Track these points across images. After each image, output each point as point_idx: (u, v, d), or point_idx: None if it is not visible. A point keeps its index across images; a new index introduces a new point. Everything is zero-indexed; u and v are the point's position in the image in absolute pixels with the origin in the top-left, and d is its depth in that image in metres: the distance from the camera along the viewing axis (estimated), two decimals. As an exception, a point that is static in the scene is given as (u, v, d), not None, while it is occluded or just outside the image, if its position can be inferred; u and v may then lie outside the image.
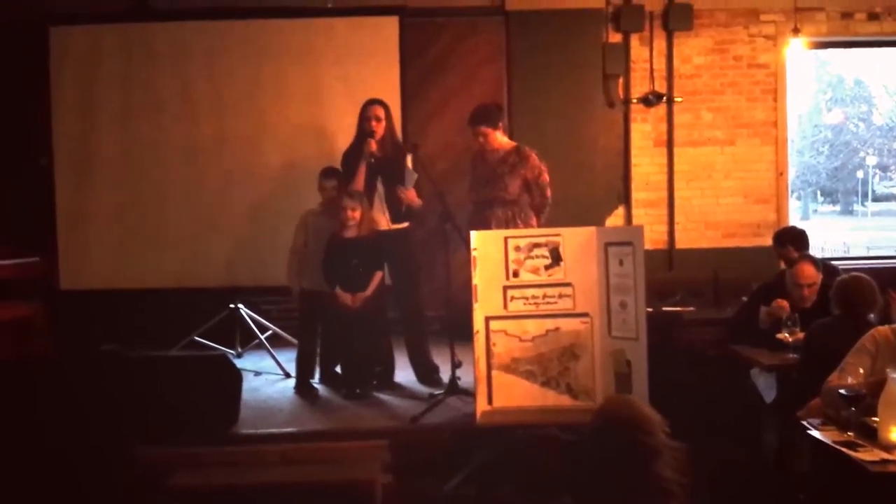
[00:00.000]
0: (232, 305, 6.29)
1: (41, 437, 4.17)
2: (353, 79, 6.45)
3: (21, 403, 4.31)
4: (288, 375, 5.66)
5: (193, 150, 6.54)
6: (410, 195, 5.26)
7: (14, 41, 6.70)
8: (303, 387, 5.31)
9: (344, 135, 5.66)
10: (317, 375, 5.44)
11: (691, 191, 7.34)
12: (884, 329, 3.58)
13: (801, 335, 4.36)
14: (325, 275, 5.16)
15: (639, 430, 2.02)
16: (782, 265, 5.47)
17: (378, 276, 5.18)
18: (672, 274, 7.12)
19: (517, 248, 4.60)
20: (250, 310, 6.36)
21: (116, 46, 6.56)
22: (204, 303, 6.36)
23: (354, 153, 5.35)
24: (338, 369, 5.41)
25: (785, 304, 4.57)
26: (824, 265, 4.97)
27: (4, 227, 6.64)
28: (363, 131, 5.30)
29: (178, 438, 4.26)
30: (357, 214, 5.07)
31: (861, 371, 3.36)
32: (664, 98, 7.25)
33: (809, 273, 4.70)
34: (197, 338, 6.22)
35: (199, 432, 4.31)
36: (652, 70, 7.26)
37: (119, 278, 6.48)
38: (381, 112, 5.29)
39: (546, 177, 5.25)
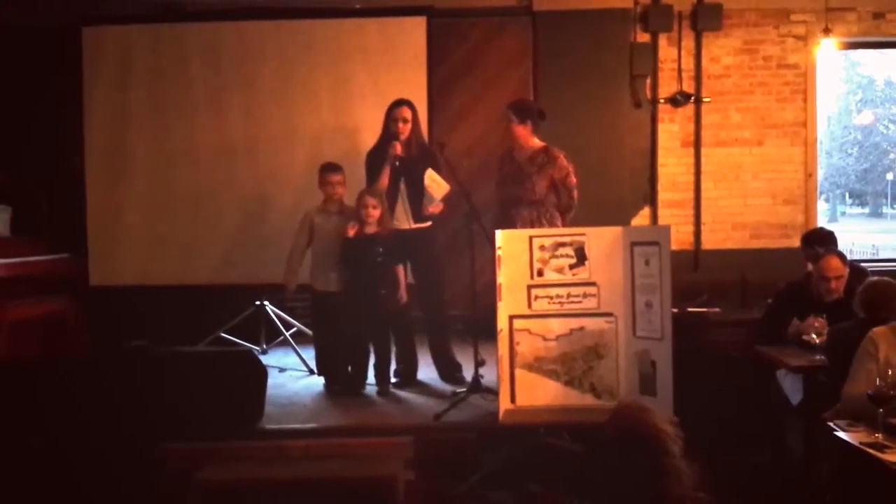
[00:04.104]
0: (258, 302, 6.34)
1: (71, 430, 4.24)
2: (381, 79, 6.48)
3: (49, 399, 4.38)
4: (312, 372, 5.69)
5: (223, 148, 6.60)
6: (432, 208, 5.29)
7: (48, 42, 6.81)
8: (329, 382, 5.34)
9: (372, 134, 5.67)
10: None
11: (718, 191, 7.29)
12: (880, 328, 3.62)
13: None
14: (343, 273, 5.17)
15: (650, 445, 1.97)
16: (809, 267, 5.42)
17: (400, 271, 5.20)
18: (698, 275, 7.07)
19: (542, 248, 4.60)
20: (276, 307, 6.41)
21: (148, 47, 6.65)
22: (230, 300, 6.43)
23: (379, 155, 5.36)
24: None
25: (816, 320, 4.45)
26: (853, 266, 4.93)
27: (36, 225, 6.73)
28: (389, 132, 5.31)
29: (203, 433, 4.30)
30: (377, 213, 5.08)
31: (872, 374, 3.36)
32: (692, 98, 7.21)
33: (835, 265, 4.67)
34: (223, 334, 6.28)
35: (224, 427, 4.34)
36: (680, 70, 7.22)
37: (148, 275, 6.56)
38: (407, 113, 5.31)
39: (574, 178, 5.24)
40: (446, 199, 5.31)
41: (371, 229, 5.11)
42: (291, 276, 5.42)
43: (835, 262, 4.69)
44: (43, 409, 4.34)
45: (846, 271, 4.69)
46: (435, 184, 5.23)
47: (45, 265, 6.22)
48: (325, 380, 5.39)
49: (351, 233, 5.06)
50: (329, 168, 5.41)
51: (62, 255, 6.46)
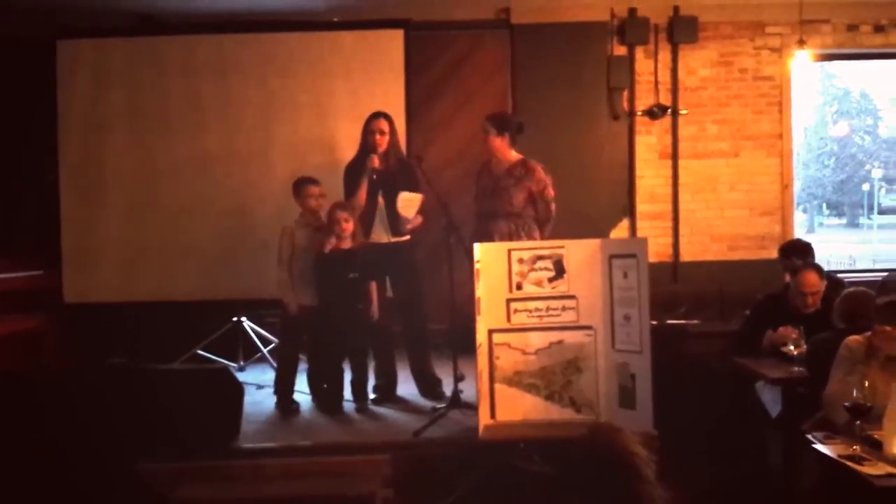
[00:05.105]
0: (235, 319, 6.28)
1: (46, 449, 4.17)
2: (359, 92, 6.46)
3: (25, 416, 4.31)
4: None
5: (200, 163, 6.55)
6: (410, 225, 5.25)
7: (22, 55, 6.74)
8: (284, 402, 5.19)
9: (350, 147, 5.65)
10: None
11: (696, 203, 7.33)
12: (855, 337, 3.71)
13: (805, 348, 4.34)
14: (318, 289, 5.12)
15: (623, 470, 1.93)
16: (787, 278, 5.45)
17: (373, 286, 5.17)
18: (676, 287, 7.09)
19: (521, 261, 4.58)
20: (254, 322, 6.36)
21: (124, 60, 6.59)
22: (207, 316, 6.37)
23: (357, 168, 5.34)
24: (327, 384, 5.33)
25: (792, 332, 4.47)
26: (829, 278, 4.95)
27: (9, 240, 6.66)
28: (366, 145, 5.30)
29: (180, 452, 4.25)
30: (350, 226, 5.05)
31: (848, 380, 3.42)
32: (669, 110, 7.25)
33: (813, 281, 4.70)
34: (200, 351, 6.21)
35: (200, 446, 4.29)
36: (657, 82, 7.26)
37: (123, 292, 6.48)
38: (384, 125, 5.29)
39: (551, 191, 5.24)
40: (423, 210, 5.28)
41: (346, 244, 5.07)
42: (290, 293, 5.21)
43: (812, 277, 4.71)
44: (16, 427, 4.27)
45: (823, 285, 4.71)
46: (408, 204, 5.17)
47: (18, 282, 6.15)
48: (278, 399, 5.21)
49: (328, 248, 5.02)
50: (307, 181, 5.36)
51: (37, 272, 6.39)
